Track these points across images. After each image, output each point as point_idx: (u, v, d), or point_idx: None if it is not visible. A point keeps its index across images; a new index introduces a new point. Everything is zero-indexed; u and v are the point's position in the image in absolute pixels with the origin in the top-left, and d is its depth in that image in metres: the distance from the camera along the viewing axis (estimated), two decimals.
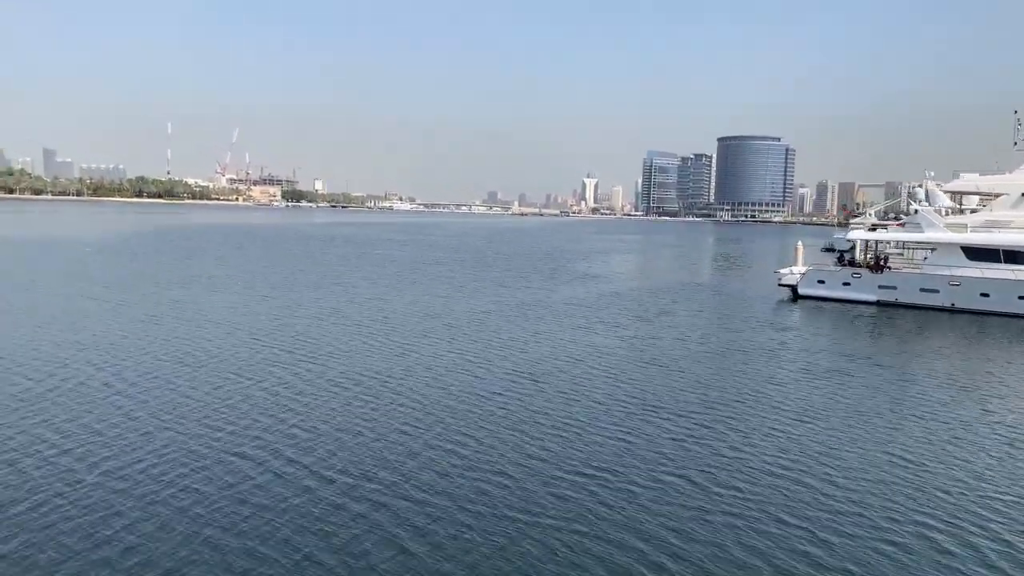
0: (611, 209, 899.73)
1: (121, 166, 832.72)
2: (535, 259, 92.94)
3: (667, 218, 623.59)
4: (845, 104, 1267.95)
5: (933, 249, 56.71)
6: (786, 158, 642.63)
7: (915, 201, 61.53)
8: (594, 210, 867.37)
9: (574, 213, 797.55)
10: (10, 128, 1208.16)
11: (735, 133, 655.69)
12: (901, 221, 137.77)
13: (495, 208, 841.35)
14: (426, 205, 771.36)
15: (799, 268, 61.74)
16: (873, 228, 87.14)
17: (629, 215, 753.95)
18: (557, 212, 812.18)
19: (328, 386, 24.91)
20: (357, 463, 17.80)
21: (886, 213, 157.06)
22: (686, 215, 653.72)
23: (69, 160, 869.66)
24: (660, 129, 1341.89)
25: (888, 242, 63.62)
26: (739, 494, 16.57)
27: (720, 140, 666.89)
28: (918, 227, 57.87)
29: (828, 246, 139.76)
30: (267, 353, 29.70)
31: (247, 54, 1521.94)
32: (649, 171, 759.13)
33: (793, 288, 58.56)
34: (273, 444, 18.87)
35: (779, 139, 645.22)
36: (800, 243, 71.88)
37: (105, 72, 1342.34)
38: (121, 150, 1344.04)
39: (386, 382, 25.72)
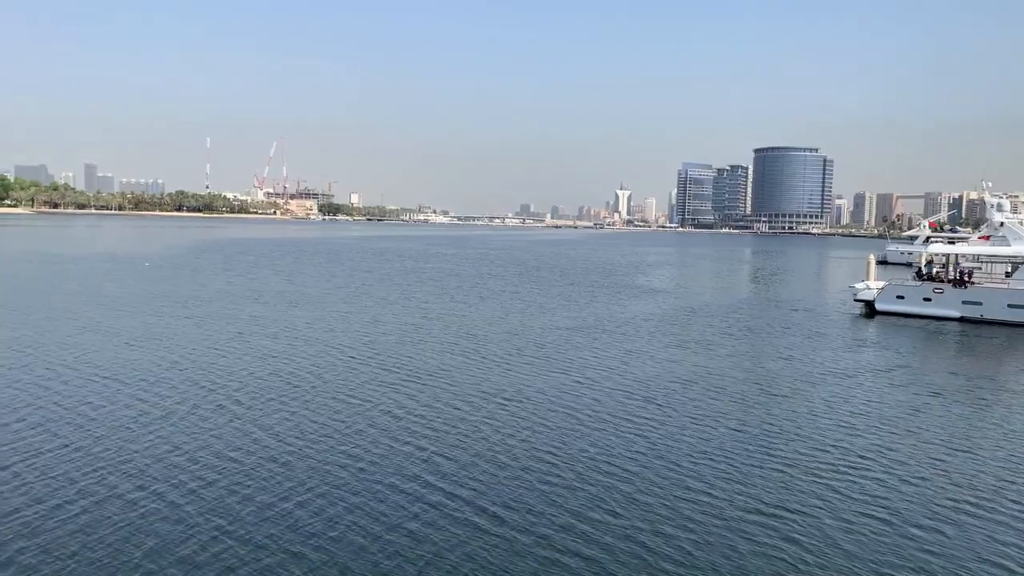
0: (645, 221, 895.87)
1: (160, 180, 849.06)
2: (592, 273, 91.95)
3: (703, 230, 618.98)
4: (881, 114, 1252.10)
5: (1022, 263, 54.65)
6: (824, 169, 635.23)
7: (997, 213, 59.15)
8: (628, 222, 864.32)
9: (609, 225, 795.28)
10: (53, 144, 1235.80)
11: (770, 144, 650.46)
12: (957, 234, 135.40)
13: (528, 221, 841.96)
14: (460, 218, 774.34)
15: (875, 283, 60.07)
16: (951, 241, 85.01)
17: (664, 227, 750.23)
18: (591, 224, 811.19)
19: (448, 409, 24.13)
20: (512, 496, 16.98)
21: (941, 226, 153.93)
22: (722, 227, 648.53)
23: (110, 175, 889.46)
24: (692, 141, 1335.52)
25: (969, 256, 61.08)
26: (832, 526, 15.53)
27: (756, 151, 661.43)
28: (1004, 240, 55.99)
29: (881, 259, 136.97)
30: (369, 372, 29.08)
31: (282, 70, 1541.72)
32: (684, 183, 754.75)
33: (870, 304, 56.89)
34: (421, 475, 18.05)
35: (816, 150, 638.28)
36: (872, 256, 69.87)
37: (144, 89, 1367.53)
38: (159, 165, 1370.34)
39: (504, 405, 24.89)
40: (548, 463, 19.25)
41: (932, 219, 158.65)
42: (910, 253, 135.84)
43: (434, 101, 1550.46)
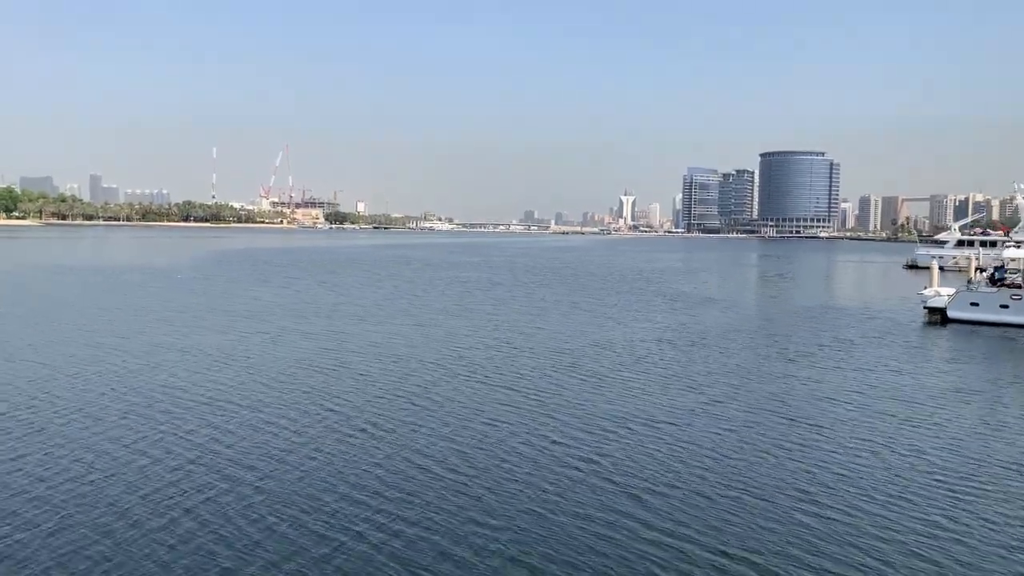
0: (650, 226, 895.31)
1: (165, 191, 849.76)
2: (631, 279, 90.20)
3: (711, 235, 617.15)
4: (884, 117, 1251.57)
5: None
6: (830, 173, 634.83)
7: None
8: (633, 227, 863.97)
9: (615, 231, 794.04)
10: (58, 155, 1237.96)
11: (775, 148, 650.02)
12: (989, 236, 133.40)
13: (533, 228, 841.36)
14: (464, 226, 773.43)
15: (944, 289, 58.29)
16: (991, 244, 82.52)
17: (671, 232, 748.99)
18: (597, 230, 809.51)
19: (568, 440, 22.53)
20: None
21: (971, 228, 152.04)
22: (729, 231, 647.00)
23: (115, 186, 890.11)
24: (694, 146, 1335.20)
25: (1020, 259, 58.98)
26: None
27: (763, 155, 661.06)
28: None
29: (911, 263, 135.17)
30: (487, 391, 27.43)
31: (287, 79, 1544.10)
32: (690, 188, 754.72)
33: (941, 311, 55.02)
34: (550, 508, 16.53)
35: (823, 154, 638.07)
36: (935, 262, 68.07)
37: (148, 99, 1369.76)
38: (164, 175, 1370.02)
39: (620, 434, 23.21)
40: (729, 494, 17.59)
41: (962, 223, 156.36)
42: (941, 257, 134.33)
43: (437, 109, 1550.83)
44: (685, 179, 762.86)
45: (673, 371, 32.48)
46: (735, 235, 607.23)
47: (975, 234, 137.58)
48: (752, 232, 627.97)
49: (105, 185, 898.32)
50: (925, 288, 59.84)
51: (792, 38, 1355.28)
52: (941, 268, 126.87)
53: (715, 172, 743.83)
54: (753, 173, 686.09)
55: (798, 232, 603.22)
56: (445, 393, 27.30)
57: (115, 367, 30.62)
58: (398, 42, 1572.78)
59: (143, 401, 25.12)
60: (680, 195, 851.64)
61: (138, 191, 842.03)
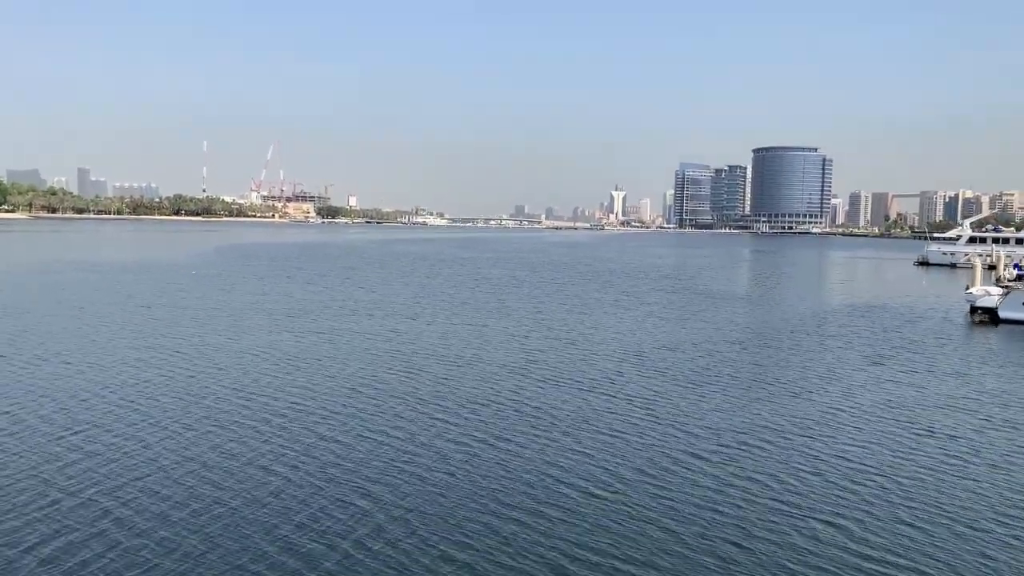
0: (641, 222, 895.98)
1: (154, 184, 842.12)
2: (654, 277, 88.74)
3: (703, 231, 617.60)
4: (873, 113, 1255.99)
5: None
6: (823, 168, 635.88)
7: None
8: (624, 223, 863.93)
9: (608, 226, 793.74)
10: (45, 148, 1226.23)
11: (766, 144, 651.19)
12: (1001, 233, 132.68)
13: (525, 222, 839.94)
14: (456, 220, 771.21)
15: (993, 288, 57.08)
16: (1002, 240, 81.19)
17: (662, 228, 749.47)
18: (588, 225, 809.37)
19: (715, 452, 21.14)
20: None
21: (981, 225, 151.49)
22: (722, 227, 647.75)
23: (103, 179, 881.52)
24: (683, 142, 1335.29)
25: None
26: None
27: (755, 151, 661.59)
28: None
29: (921, 260, 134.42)
30: (573, 396, 25.99)
31: (276, 72, 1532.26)
32: (682, 183, 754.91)
33: (991, 311, 53.84)
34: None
35: (816, 149, 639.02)
36: (977, 261, 66.95)
37: (136, 92, 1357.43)
38: (153, 168, 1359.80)
39: (748, 445, 21.84)
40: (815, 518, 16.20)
41: (972, 220, 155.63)
42: (952, 254, 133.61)
43: (428, 103, 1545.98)
44: (677, 174, 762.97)
45: (760, 376, 31.09)
46: (727, 230, 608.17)
47: (987, 231, 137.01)
48: (745, 228, 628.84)
49: (93, 179, 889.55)
50: (969, 288, 58.37)
51: (782, 34, 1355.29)
52: (953, 265, 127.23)
53: (707, 168, 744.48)
54: (745, 169, 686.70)
55: (790, 228, 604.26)
56: (545, 399, 25.80)
57: (187, 371, 28.94)
58: (388, 38, 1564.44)
59: (239, 410, 23.50)
60: (671, 190, 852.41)
61: (127, 184, 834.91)
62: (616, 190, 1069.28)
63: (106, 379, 27.37)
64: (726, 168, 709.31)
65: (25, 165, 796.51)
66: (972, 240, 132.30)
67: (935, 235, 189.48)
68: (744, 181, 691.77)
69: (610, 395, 26.91)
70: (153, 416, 22.62)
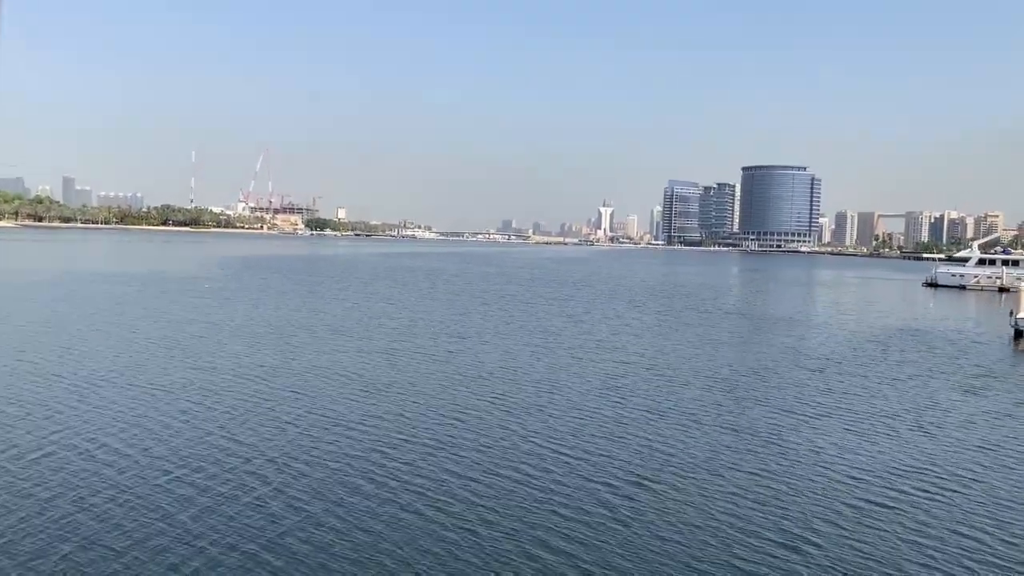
0: (629, 238, 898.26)
1: (139, 194, 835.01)
2: (674, 295, 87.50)
3: (692, 248, 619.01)
4: (858, 133, 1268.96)
5: None
6: (811, 187, 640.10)
7: None
8: (612, 239, 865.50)
9: (597, 242, 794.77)
10: (28, 156, 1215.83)
11: (752, 163, 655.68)
12: (1010, 255, 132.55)
13: (513, 237, 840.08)
14: (444, 234, 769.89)
15: None
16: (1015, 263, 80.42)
17: (651, 244, 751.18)
18: (577, 241, 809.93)
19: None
20: None
21: (990, 247, 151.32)
22: (711, 244, 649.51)
23: (88, 188, 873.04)
24: (672, 158, 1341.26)
25: None
26: None
27: (745, 169, 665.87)
28: None
29: (930, 281, 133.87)
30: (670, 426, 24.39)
31: (262, 85, 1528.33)
32: (670, 200, 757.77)
33: None
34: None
35: (804, 168, 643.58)
36: (1022, 284, 65.91)
37: (121, 101, 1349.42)
38: (138, 178, 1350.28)
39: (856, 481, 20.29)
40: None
41: (981, 241, 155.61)
42: (961, 276, 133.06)
43: (415, 116, 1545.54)
44: (666, 191, 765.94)
45: (833, 406, 29.58)
46: (716, 248, 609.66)
47: (996, 253, 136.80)
48: (733, 245, 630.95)
49: (78, 187, 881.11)
50: (1014, 312, 57.14)
51: (772, 55, 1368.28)
52: (963, 287, 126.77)
53: (696, 185, 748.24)
54: (734, 187, 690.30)
55: (779, 246, 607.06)
56: (647, 429, 24.16)
57: (270, 396, 27.07)
58: (380, 51, 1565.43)
59: (351, 441, 21.69)
60: (658, 207, 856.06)
61: (112, 194, 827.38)
62: (604, 206, 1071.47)
63: (183, 404, 25.45)
64: (715, 186, 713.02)
65: (8, 173, 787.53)
66: (982, 262, 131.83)
67: (904, 254, 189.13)
68: (733, 199, 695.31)
69: (716, 426, 25.30)
70: (253, 449, 20.76)
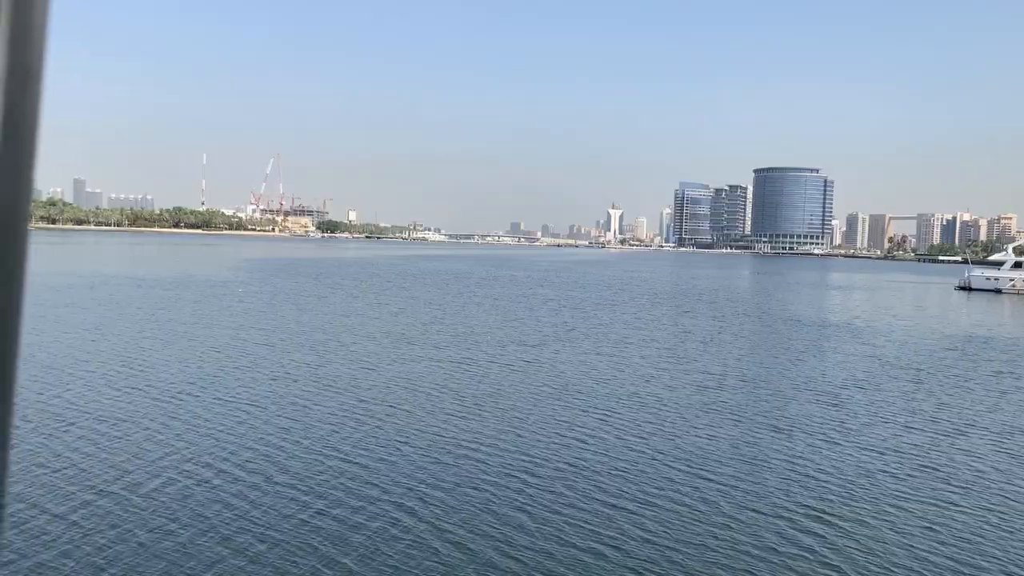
0: (639, 240, 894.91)
1: (149, 196, 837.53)
2: (712, 301, 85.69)
3: (704, 250, 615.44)
4: (871, 134, 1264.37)
5: None
6: (824, 190, 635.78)
7: None
8: (622, 241, 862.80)
9: (607, 244, 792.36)
10: (39, 158, 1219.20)
11: (764, 165, 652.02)
12: None
13: (523, 239, 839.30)
14: (453, 236, 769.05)
15: None
16: None
17: (662, 247, 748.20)
18: (587, 243, 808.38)
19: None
20: None
21: None
22: (722, 247, 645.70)
23: (98, 190, 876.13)
24: (680, 161, 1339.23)
25: None
26: None
27: (757, 171, 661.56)
28: None
29: (963, 284, 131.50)
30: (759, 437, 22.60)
31: (270, 87, 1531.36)
32: (681, 202, 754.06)
33: None
34: None
35: (817, 170, 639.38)
36: None
37: (133, 102, 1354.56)
38: (148, 180, 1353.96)
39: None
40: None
41: (1015, 244, 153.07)
42: (996, 279, 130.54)
43: (425, 120, 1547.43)
44: (677, 193, 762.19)
45: (914, 422, 27.74)
46: (727, 250, 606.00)
47: None
48: (746, 248, 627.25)
49: (89, 190, 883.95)
50: None
51: (781, 52, 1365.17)
52: (998, 291, 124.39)
53: (707, 187, 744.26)
54: (746, 189, 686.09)
55: (792, 248, 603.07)
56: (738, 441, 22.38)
57: (360, 408, 25.39)
58: (389, 54, 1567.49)
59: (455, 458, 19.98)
60: (667, 209, 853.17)
61: (122, 196, 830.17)
62: (613, 208, 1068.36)
63: (281, 422, 23.78)
64: (726, 188, 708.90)
65: None
66: (1018, 265, 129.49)
67: (919, 256, 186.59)
68: (745, 201, 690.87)
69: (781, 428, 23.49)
70: (376, 473, 19.06)
